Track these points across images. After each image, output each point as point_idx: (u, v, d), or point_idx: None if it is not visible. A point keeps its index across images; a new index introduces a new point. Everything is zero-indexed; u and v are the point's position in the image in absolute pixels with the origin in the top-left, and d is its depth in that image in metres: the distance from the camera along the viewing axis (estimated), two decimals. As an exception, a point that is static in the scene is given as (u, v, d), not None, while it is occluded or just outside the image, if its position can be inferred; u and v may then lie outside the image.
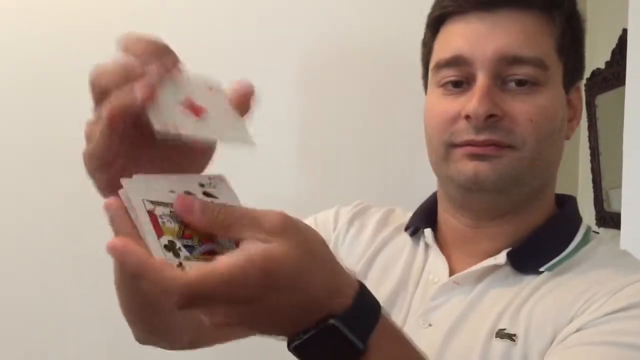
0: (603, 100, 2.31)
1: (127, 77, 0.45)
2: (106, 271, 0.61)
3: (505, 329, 0.69)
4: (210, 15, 1.36)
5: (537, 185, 0.76)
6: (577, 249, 0.75)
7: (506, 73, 0.70)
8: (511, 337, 0.68)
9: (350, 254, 0.86)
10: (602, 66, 2.30)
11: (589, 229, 0.79)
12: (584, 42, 0.77)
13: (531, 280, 0.72)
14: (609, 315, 0.65)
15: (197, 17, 1.36)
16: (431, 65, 0.76)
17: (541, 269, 0.72)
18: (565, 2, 0.74)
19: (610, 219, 2.27)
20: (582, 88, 0.77)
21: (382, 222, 0.88)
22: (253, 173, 1.30)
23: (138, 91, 0.44)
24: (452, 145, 0.72)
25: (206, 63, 1.37)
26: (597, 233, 0.81)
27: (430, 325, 0.74)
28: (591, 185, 2.45)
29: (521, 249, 0.74)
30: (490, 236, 0.76)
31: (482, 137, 0.69)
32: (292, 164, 1.37)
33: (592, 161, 2.43)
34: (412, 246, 0.83)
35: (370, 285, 0.82)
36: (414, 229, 0.83)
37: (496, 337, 0.69)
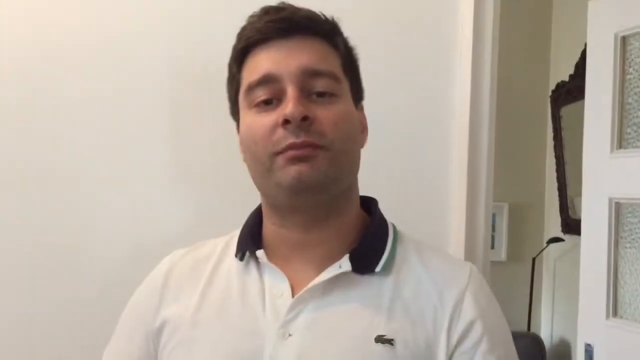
0: (567, 111, 2.40)
1: None
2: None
3: (384, 335, 0.78)
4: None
5: (347, 184, 0.85)
6: (394, 246, 0.86)
7: (309, 85, 0.81)
8: (390, 341, 0.78)
9: (178, 309, 0.87)
10: (567, 79, 2.38)
11: (395, 228, 0.90)
12: (359, 71, 0.90)
13: (378, 284, 0.82)
14: (467, 334, 0.80)
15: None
16: (242, 90, 0.84)
17: (377, 269, 0.82)
18: (341, 34, 0.88)
19: (575, 226, 2.35)
20: (364, 109, 0.91)
21: (196, 265, 0.91)
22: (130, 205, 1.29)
23: None
24: (275, 154, 0.79)
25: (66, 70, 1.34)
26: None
27: (290, 335, 0.79)
28: (557, 193, 2.53)
29: (357, 253, 0.82)
30: (321, 240, 0.83)
31: (300, 139, 0.78)
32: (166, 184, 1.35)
33: (557, 170, 2.51)
34: (243, 272, 0.86)
35: (209, 321, 0.83)
36: (242, 253, 0.87)
37: (376, 342, 0.77)
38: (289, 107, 0.78)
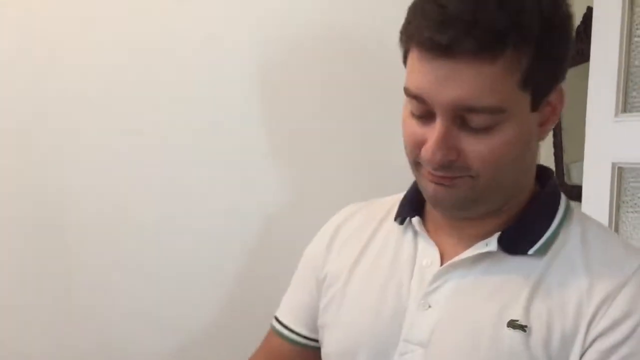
0: (567, 76, 2.37)
1: None
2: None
3: (517, 320, 0.74)
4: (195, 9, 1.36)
5: (506, 197, 0.79)
6: (560, 225, 0.79)
7: (463, 117, 0.71)
8: (523, 328, 0.73)
9: (339, 263, 0.91)
10: (567, 43, 2.35)
11: (568, 204, 0.83)
12: (568, 44, 0.74)
13: (527, 266, 0.76)
14: (610, 332, 0.71)
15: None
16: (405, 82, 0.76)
17: (530, 252, 0.77)
18: (536, 27, 0.68)
19: (570, 192, 2.35)
20: (563, 87, 0.77)
21: (365, 222, 0.93)
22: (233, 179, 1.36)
23: None
24: (418, 163, 0.77)
25: (189, 54, 1.39)
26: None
27: (430, 307, 0.79)
28: (553, 159, 2.52)
29: (510, 233, 0.78)
30: (476, 225, 0.80)
31: (438, 174, 0.74)
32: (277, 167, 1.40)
33: (554, 136, 2.49)
34: (400, 235, 0.87)
35: (360, 279, 0.86)
36: (402, 218, 0.87)
37: (508, 326, 0.74)
38: (429, 147, 0.71)
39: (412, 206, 0.87)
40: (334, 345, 0.87)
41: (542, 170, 0.85)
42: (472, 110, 0.70)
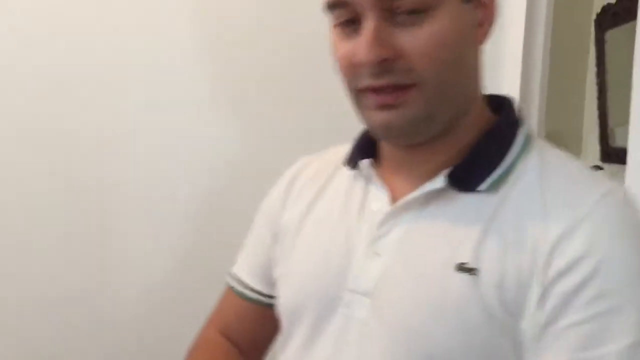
0: (613, 35, 2.30)
1: None
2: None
3: (466, 263, 0.67)
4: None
5: (455, 110, 0.72)
6: (517, 158, 0.72)
7: (394, 5, 0.65)
8: (472, 271, 0.67)
9: (291, 215, 0.86)
10: (613, 1, 2.28)
11: (529, 133, 0.75)
12: None
13: (479, 204, 0.70)
14: (569, 273, 0.63)
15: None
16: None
17: (481, 188, 0.70)
18: None
19: (615, 155, 2.31)
20: None
21: (319, 170, 0.88)
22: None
23: None
24: (359, 91, 0.70)
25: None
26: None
27: (377, 254, 0.73)
28: (597, 121, 2.47)
29: (459, 168, 0.72)
30: (425, 157, 0.74)
31: (380, 82, 0.66)
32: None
33: (599, 97, 2.44)
34: (352, 181, 0.81)
35: (311, 228, 0.81)
36: (354, 163, 0.81)
37: (457, 270, 0.67)
38: (361, 48, 0.65)
39: (364, 149, 0.80)
40: (287, 299, 0.82)
41: (500, 100, 0.77)
42: None
